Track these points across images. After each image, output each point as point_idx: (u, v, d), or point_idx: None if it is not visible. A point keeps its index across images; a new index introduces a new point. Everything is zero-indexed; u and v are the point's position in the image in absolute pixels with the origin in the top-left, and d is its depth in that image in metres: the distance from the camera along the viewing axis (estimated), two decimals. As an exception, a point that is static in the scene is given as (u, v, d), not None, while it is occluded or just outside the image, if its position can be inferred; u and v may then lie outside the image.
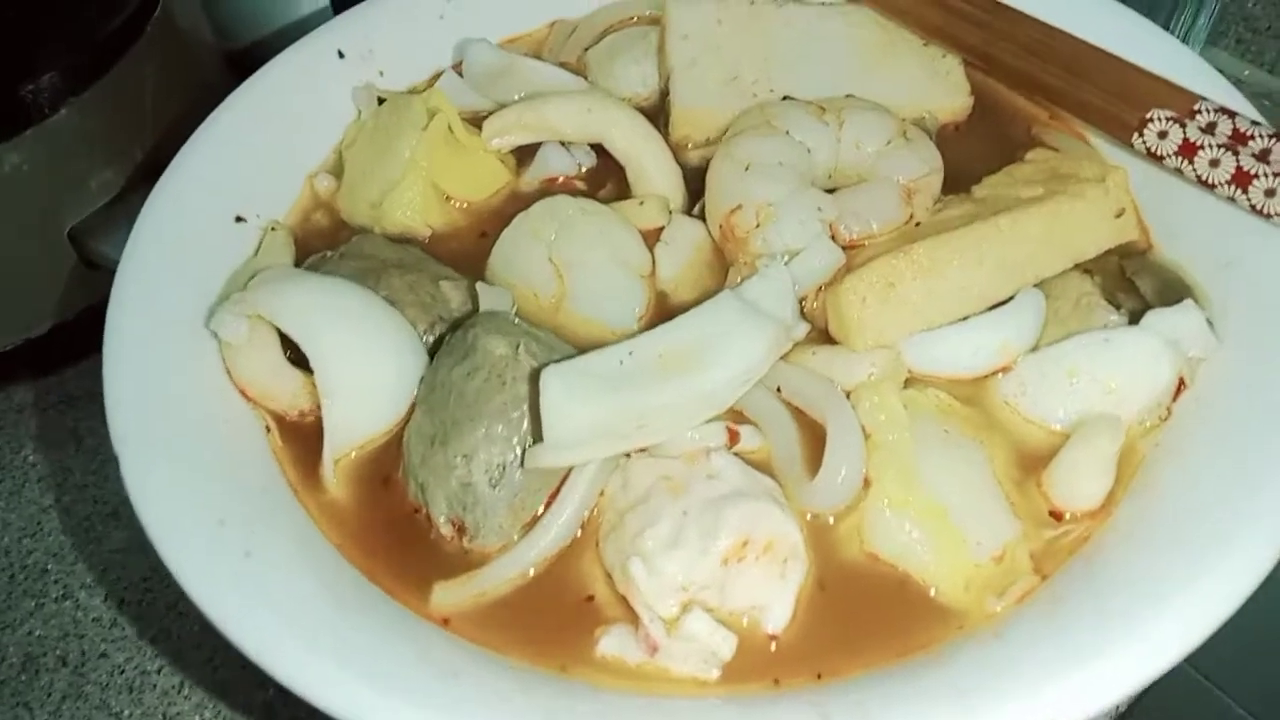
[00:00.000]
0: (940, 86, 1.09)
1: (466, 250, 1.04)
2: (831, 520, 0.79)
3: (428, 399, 0.83)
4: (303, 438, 0.89)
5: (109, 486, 1.22)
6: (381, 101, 1.14)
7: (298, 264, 0.99)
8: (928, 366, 0.86)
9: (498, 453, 0.79)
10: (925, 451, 0.79)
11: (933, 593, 0.76)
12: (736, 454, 0.81)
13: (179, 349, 0.90)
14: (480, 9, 1.22)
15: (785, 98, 1.05)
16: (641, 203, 1.00)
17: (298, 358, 0.90)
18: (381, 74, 1.17)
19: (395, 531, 0.83)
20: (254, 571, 0.75)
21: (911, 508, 0.77)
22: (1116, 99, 0.92)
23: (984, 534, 0.77)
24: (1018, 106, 1.11)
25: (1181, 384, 0.83)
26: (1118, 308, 0.89)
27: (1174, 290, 0.89)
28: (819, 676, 0.72)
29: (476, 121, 1.08)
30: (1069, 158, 0.98)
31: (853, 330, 0.85)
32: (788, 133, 0.98)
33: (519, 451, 0.79)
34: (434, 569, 0.81)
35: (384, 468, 0.87)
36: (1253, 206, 0.84)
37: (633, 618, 0.75)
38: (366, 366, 0.86)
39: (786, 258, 0.91)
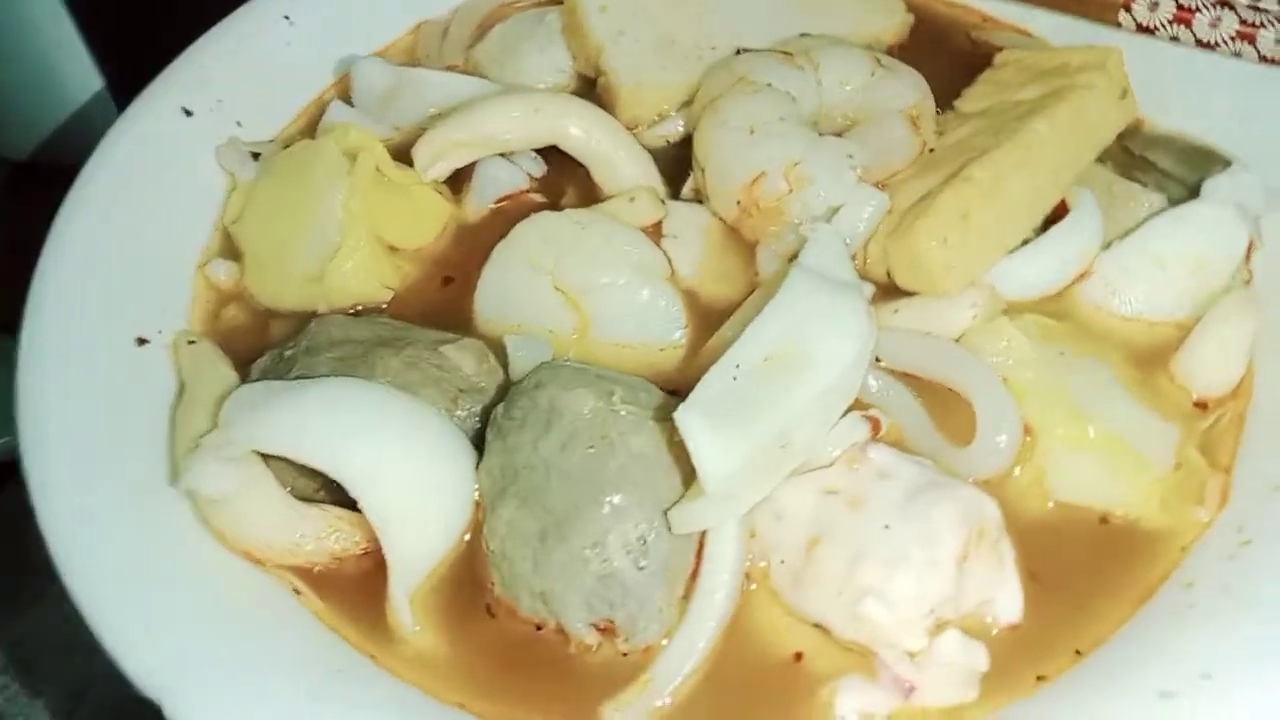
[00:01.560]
0: (878, 9, 1.02)
1: (438, 303, 0.86)
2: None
3: (514, 489, 0.67)
4: (348, 587, 0.69)
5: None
6: (256, 156, 0.92)
7: (241, 376, 0.77)
8: (1018, 291, 0.79)
9: (633, 527, 0.64)
10: (1069, 381, 0.72)
11: (1140, 521, 0.70)
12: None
13: (144, 533, 0.67)
14: (328, 24, 1.03)
15: (740, 50, 0.94)
16: (632, 199, 0.86)
17: (300, 488, 0.70)
18: (240, 124, 0.96)
19: (517, 662, 0.66)
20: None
21: (1088, 442, 0.70)
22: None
23: (1154, 446, 0.71)
24: (949, 16, 1.07)
25: (1252, 244, 0.81)
26: (1144, 186, 0.87)
27: (1195, 156, 0.87)
28: (1078, 653, 0.64)
29: (391, 154, 0.89)
30: (1044, 53, 0.94)
31: (940, 274, 0.77)
32: (769, 85, 0.87)
33: (657, 518, 0.65)
34: (587, 691, 0.65)
35: (470, 589, 0.69)
36: (1262, 56, 0.83)
37: (857, 663, 0.63)
38: (417, 476, 0.68)
39: (829, 216, 0.81)
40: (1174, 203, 0.83)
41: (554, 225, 0.83)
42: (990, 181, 0.79)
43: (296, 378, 0.73)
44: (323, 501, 0.71)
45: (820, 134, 0.86)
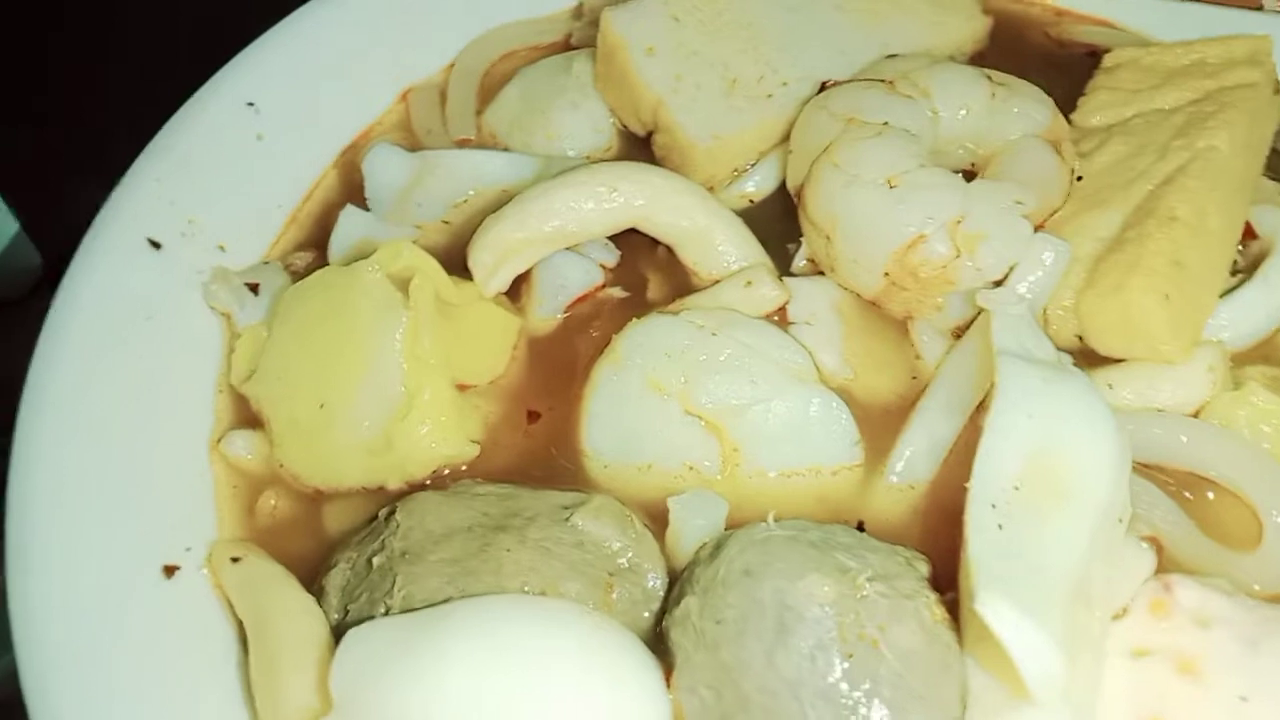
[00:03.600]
0: (954, 14, 0.88)
1: (528, 452, 0.68)
2: None
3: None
4: None
5: None
6: (256, 289, 0.73)
7: (315, 594, 0.58)
8: (1240, 341, 0.67)
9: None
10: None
11: None
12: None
13: None
14: (302, 104, 0.83)
15: (823, 85, 0.79)
16: (748, 283, 0.70)
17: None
18: (223, 249, 0.75)
19: None
20: None
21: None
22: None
23: None
24: (1020, 14, 0.94)
25: None
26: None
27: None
28: None
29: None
30: (1167, 50, 0.82)
31: (1165, 336, 0.63)
32: (886, 123, 0.73)
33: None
34: None
35: None
36: None
37: None
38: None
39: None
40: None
41: (672, 333, 0.66)
42: (1195, 217, 0.66)
43: (405, 599, 0.55)
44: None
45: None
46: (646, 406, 0.65)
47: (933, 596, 0.52)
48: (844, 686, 0.49)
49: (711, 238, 0.74)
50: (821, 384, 0.67)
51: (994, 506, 0.53)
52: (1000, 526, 0.52)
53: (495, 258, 0.70)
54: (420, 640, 0.50)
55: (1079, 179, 0.75)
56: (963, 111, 0.76)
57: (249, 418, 0.69)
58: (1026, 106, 0.76)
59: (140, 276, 0.70)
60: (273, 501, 0.65)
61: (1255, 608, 0.54)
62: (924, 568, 0.55)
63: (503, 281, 0.71)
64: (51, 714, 0.50)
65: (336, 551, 0.61)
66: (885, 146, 0.71)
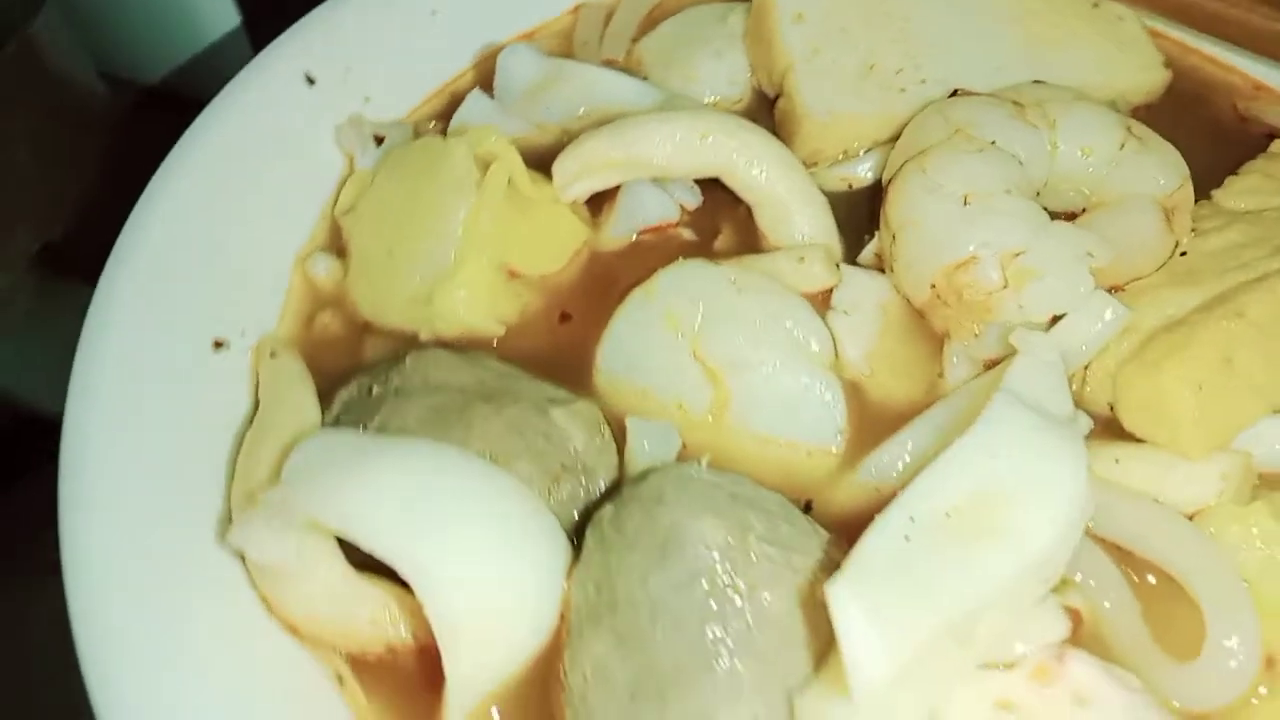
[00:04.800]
0: (1128, 59, 0.84)
1: (550, 345, 0.74)
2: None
3: (609, 621, 0.54)
4: (400, 685, 0.59)
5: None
6: (380, 140, 0.81)
7: (322, 399, 0.67)
8: (1273, 463, 0.62)
9: (749, 710, 0.51)
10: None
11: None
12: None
13: (176, 578, 0.58)
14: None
15: (955, 91, 0.78)
16: (802, 258, 0.72)
17: (364, 559, 0.59)
18: (368, 100, 0.85)
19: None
20: None
21: (1356, 697, 0.54)
22: None
23: None
24: (1215, 79, 0.88)
25: None
26: None
27: None
28: None
29: (527, 158, 0.77)
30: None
31: (1186, 428, 0.60)
32: (993, 143, 0.71)
33: (781, 708, 0.51)
34: None
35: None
36: None
37: None
38: (494, 577, 0.55)
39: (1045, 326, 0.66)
40: None
41: (705, 281, 0.69)
42: (1268, 319, 0.61)
43: (380, 425, 0.63)
44: (387, 576, 0.60)
45: (1047, 212, 0.70)
46: (660, 339, 0.69)
47: (823, 579, 0.54)
48: (694, 621, 0.52)
49: (788, 208, 0.75)
50: (830, 370, 0.68)
51: (912, 520, 0.53)
52: (907, 538, 0.53)
53: (579, 168, 0.75)
54: (363, 453, 0.57)
55: (1183, 254, 0.71)
56: (1084, 154, 0.73)
57: (337, 246, 0.78)
58: (1154, 166, 0.73)
59: (290, 101, 0.80)
60: (327, 320, 0.75)
61: (1147, 711, 0.52)
62: (839, 557, 0.57)
63: (580, 191, 0.76)
64: (84, 418, 0.61)
65: (356, 375, 0.69)
66: (978, 164, 0.69)
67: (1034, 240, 0.66)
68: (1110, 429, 0.65)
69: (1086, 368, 0.66)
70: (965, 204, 0.68)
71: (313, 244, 0.78)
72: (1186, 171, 0.73)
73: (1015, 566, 0.53)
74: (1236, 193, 0.75)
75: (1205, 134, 0.84)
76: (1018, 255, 0.65)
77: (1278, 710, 0.55)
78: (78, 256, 0.74)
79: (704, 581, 0.52)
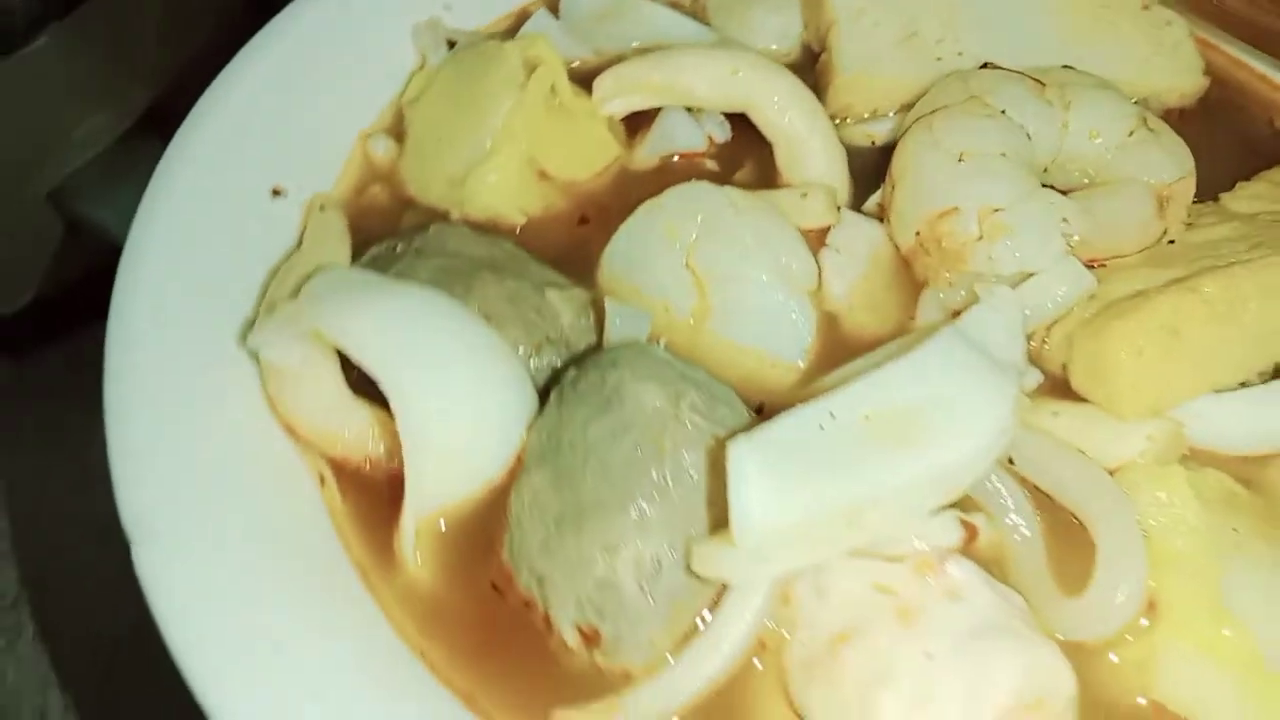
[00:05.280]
0: (1167, 62, 0.87)
1: (565, 242, 0.81)
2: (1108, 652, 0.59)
3: (552, 460, 0.61)
4: (370, 495, 0.67)
5: (98, 502, 0.99)
6: (452, 45, 0.90)
7: (355, 254, 0.76)
8: (1211, 441, 0.65)
9: (652, 546, 0.58)
10: (1234, 567, 0.59)
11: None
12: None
13: (204, 374, 0.67)
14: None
15: (985, 65, 0.82)
16: (804, 195, 0.78)
17: (363, 383, 0.68)
18: (448, 8, 0.93)
19: (496, 633, 0.62)
20: (288, 676, 0.55)
21: (1220, 649, 0.57)
22: None
23: (1315, 686, 0.57)
24: (1256, 92, 0.89)
25: None
26: None
27: None
28: None
29: (577, 77, 0.84)
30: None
31: (1124, 391, 0.64)
32: (1004, 112, 0.75)
33: (680, 547, 0.58)
34: (550, 689, 0.60)
35: (483, 544, 0.65)
36: None
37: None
38: (463, 409, 0.63)
39: (1015, 282, 0.70)
40: None
41: (707, 200, 0.75)
42: (1222, 300, 0.64)
43: (396, 274, 0.71)
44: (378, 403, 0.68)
45: (1045, 185, 0.74)
46: (659, 247, 0.75)
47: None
48: (619, 466, 0.58)
49: (806, 150, 0.81)
50: (808, 295, 0.74)
51: (832, 415, 0.59)
52: (821, 427, 0.58)
53: (617, 87, 0.82)
54: (371, 285, 0.66)
55: (1170, 242, 0.73)
56: (1096, 137, 0.77)
57: (398, 130, 0.87)
58: (1159, 156, 0.76)
59: (373, 2, 0.90)
60: (376, 191, 0.84)
61: (1012, 615, 0.56)
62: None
63: (616, 108, 0.83)
64: (143, 239, 0.71)
65: (387, 237, 0.78)
66: (981, 127, 0.74)
67: (1015, 201, 0.70)
68: (1062, 389, 0.69)
69: (1050, 329, 0.70)
70: (960, 160, 0.72)
71: (378, 125, 0.88)
72: (1190, 166, 0.76)
73: (913, 474, 0.58)
74: (1241, 197, 0.77)
75: (1236, 143, 0.86)
76: (996, 211, 0.70)
77: (1149, 645, 0.58)
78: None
79: (634, 434, 0.59)
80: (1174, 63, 0.86)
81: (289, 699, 0.55)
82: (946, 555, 0.58)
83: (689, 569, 0.57)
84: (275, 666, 0.56)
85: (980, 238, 0.69)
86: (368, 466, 0.67)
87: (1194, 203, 0.77)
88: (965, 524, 0.59)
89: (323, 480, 0.67)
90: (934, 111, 0.76)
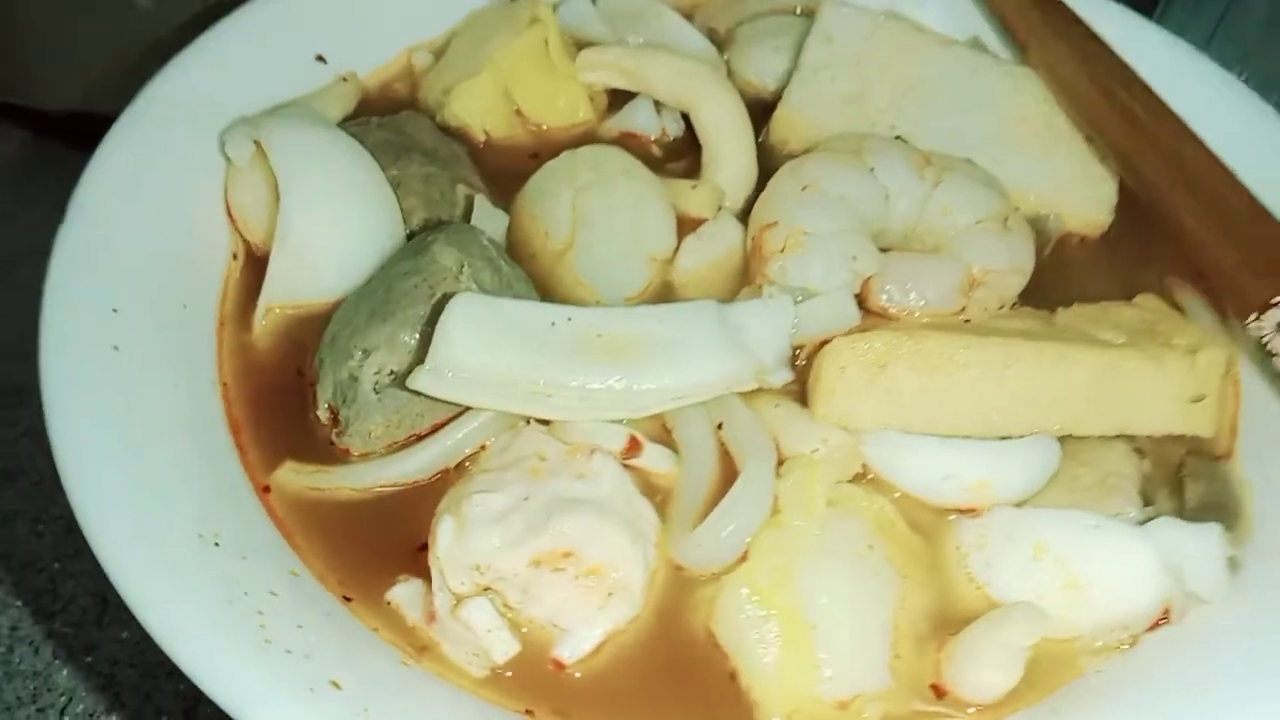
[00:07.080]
0: (1084, 191, 0.93)
1: (511, 167, 0.97)
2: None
3: (365, 284, 0.79)
4: (260, 275, 0.87)
5: None
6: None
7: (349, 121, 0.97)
8: (888, 472, 0.73)
9: (394, 360, 0.74)
10: (829, 559, 0.67)
11: (754, 707, 0.65)
12: (632, 467, 0.72)
13: (190, 169, 0.88)
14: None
15: (898, 136, 0.93)
16: (694, 187, 0.91)
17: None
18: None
19: (283, 395, 0.80)
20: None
21: (775, 608, 0.65)
22: (1248, 262, 0.75)
23: (842, 672, 0.65)
24: (1161, 249, 0.93)
25: (1165, 616, 0.66)
26: (1147, 504, 0.73)
27: (1218, 510, 0.72)
28: (573, 729, 0.63)
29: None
30: (1176, 319, 0.81)
31: (820, 395, 0.74)
32: (873, 170, 0.86)
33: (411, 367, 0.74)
34: (298, 444, 0.76)
35: (311, 338, 0.83)
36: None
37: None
38: (328, 228, 0.82)
39: (800, 297, 0.80)
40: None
41: (609, 161, 0.90)
42: (938, 355, 0.72)
43: (350, 133, 0.91)
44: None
45: (889, 247, 0.84)
46: (556, 185, 0.89)
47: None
48: (399, 295, 0.75)
49: (722, 156, 0.94)
50: (654, 257, 0.87)
51: (569, 320, 0.73)
52: (552, 324, 0.72)
53: (597, 61, 0.99)
54: (311, 123, 0.86)
55: (966, 320, 0.81)
56: (946, 213, 0.86)
57: (443, 50, 1.08)
58: (993, 248, 0.84)
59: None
60: (399, 88, 1.04)
61: (615, 505, 0.67)
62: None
63: (591, 78, 1.00)
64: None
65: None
66: (838, 173, 0.85)
67: (823, 231, 0.81)
68: (803, 396, 0.78)
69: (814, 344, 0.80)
70: (803, 189, 0.84)
71: (427, 45, 1.09)
72: (1023, 267, 0.83)
73: (607, 383, 0.71)
74: (1068, 313, 0.83)
75: (1121, 284, 0.90)
76: (805, 234, 0.81)
77: (721, 582, 0.68)
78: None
79: (420, 276, 0.75)
80: (1089, 194, 0.93)
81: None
82: (599, 451, 0.70)
83: (410, 386, 0.73)
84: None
85: (783, 250, 0.81)
86: (258, 250, 0.87)
87: (1025, 307, 0.84)
88: (632, 439, 0.71)
89: (235, 255, 0.88)
90: (816, 151, 0.88)
